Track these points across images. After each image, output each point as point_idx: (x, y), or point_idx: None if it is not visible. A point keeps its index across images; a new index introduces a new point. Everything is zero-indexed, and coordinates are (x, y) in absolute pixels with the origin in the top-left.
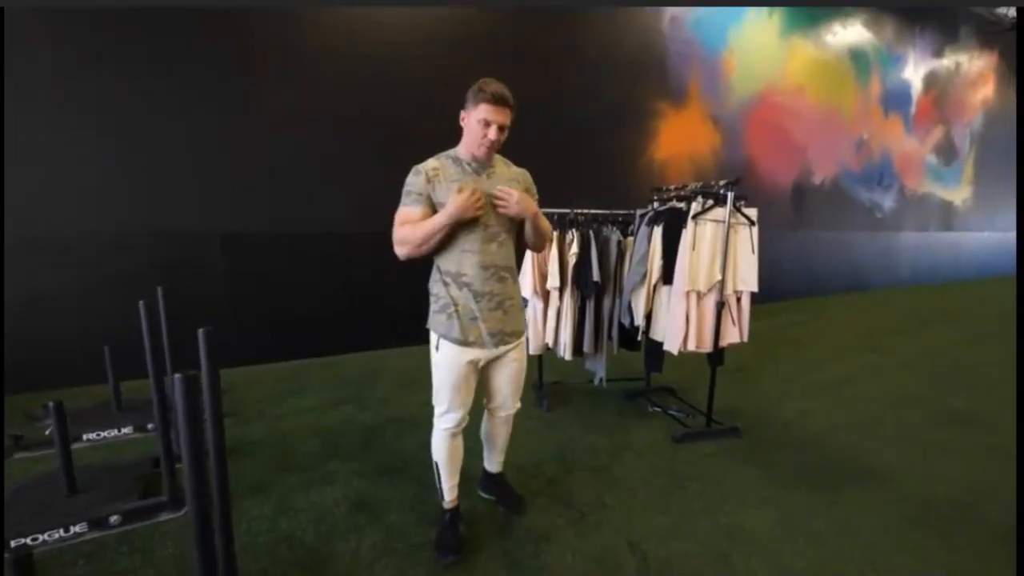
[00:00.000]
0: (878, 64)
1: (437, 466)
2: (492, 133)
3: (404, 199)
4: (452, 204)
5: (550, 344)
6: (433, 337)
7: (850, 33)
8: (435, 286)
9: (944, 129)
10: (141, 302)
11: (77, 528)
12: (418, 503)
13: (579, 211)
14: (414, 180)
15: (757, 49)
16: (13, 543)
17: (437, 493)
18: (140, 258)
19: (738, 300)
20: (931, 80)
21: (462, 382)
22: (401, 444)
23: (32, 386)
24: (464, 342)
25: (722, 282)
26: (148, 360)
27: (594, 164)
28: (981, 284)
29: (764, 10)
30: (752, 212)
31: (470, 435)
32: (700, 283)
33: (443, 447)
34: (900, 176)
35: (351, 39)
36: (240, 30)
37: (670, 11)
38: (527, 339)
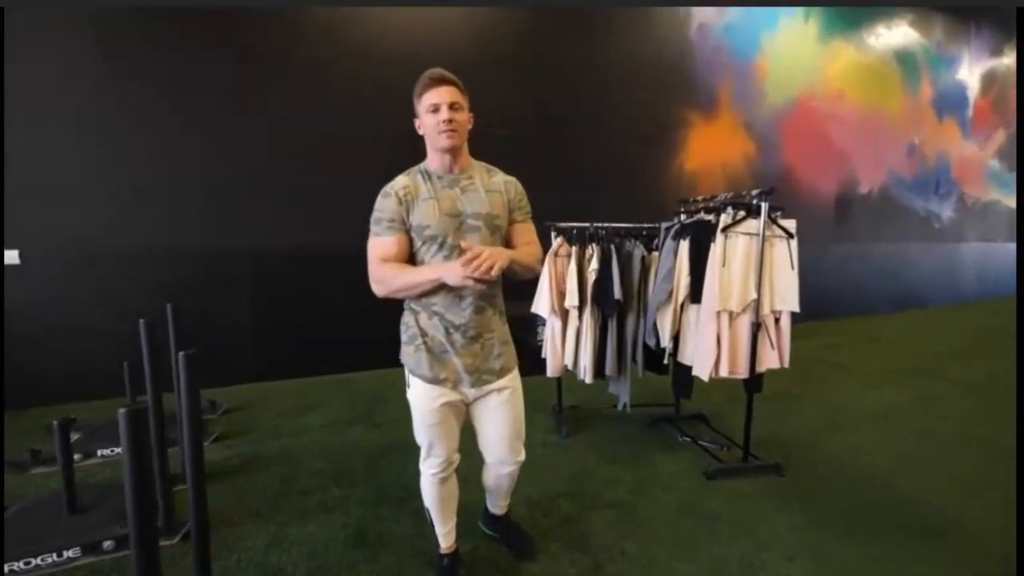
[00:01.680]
0: (928, 65)
1: (428, 512)
2: (444, 112)
3: (374, 227)
4: (450, 272)
5: (569, 366)
6: (404, 372)
7: (895, 34)
8: (405, 314)
9: (1007, 133)
10: (141, 321)
11: (70, 553)
12: (417, 539)
13: (599, 224)
14: (384, 204)
15: (793, 54)
16: (6, 567)
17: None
18: (166, 272)
19: (776, 321)
20: (989, 81)
21: (439, 424)
22: (406, 468)
23: (58, 398)
24: (435, 380)
25: (758, 301)
26: (147, 380)
27: (620, 176)
28: None
29: (800, 14)
30: (790, 224)
31: (470, 442)
32: (732, 302)
33: (432, 493)
34: (959, 183)
35: (373, 56)
36: (269, 51)
37: (697, 19)
38: (547, 359)
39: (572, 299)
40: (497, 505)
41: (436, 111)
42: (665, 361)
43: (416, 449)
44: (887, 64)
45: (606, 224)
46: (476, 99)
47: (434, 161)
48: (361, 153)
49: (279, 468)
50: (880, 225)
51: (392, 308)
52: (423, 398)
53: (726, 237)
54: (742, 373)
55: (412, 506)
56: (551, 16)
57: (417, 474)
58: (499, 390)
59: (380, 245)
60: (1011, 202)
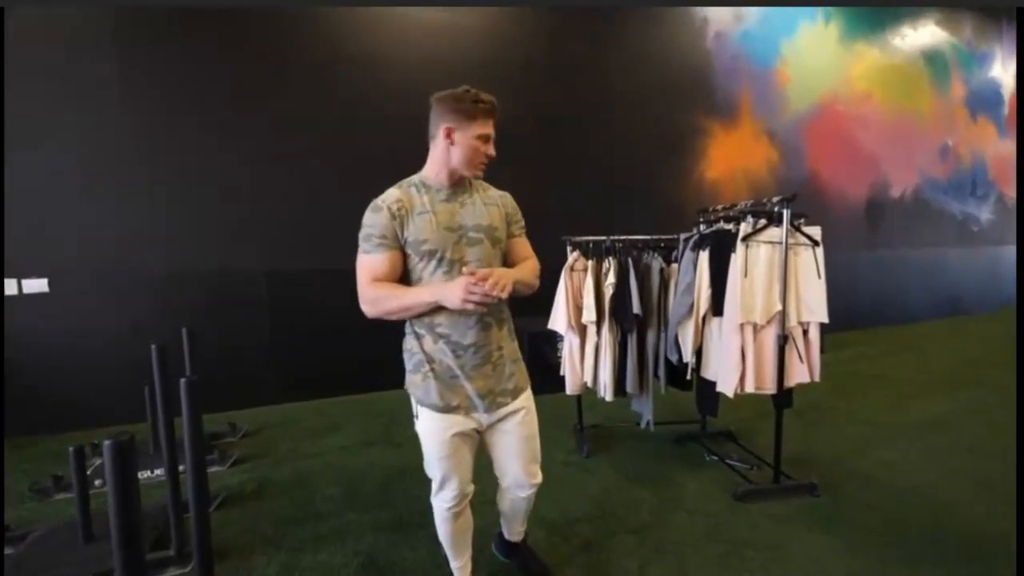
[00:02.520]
0: (958, 64)
1: (443, 547)
2: (491, 147)
3: (363, 244)
4: (448, 294)
5: (589, 383)
6: (412, 402)
7: (922, 34)
8: (408, 340)
9: None
10: (153, 346)
11: None
12: (433, 568)
13: (615, 237)
14: (375, 219)
15: (814, 58)
16: None
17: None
18: (188, 296)
19: (804, 333)
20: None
21: (452, 456)
22: (424, 491)
23: (85, 424)
24: (446, 408)
25: (783, 312)
26: (159, 406)
27: (639, 187)
28: None
29: (819, 18)
30: (815, 231)
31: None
32: (756, 314)
33: (445, 528)
34: (997, 183)
35: (381, 75)
36: (291, 74)
37: (714, 27)
38: (565, 376)
39: (590, 314)
40: (513, 531)
41: (486, 142)
42: (688, 377)
43: None
44: (914, 64)
45: (622, 236)
46: None
47: (438, 174)
48: (379, 172)
49: (295, 492)
50: (915, 229)
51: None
52: (434, 430)
53: (747, 246)
54: (769, 388)
55: (429, 532)
56: (564, 24)
57: None
58: (514, 412)
59: (370, 263)
60: None
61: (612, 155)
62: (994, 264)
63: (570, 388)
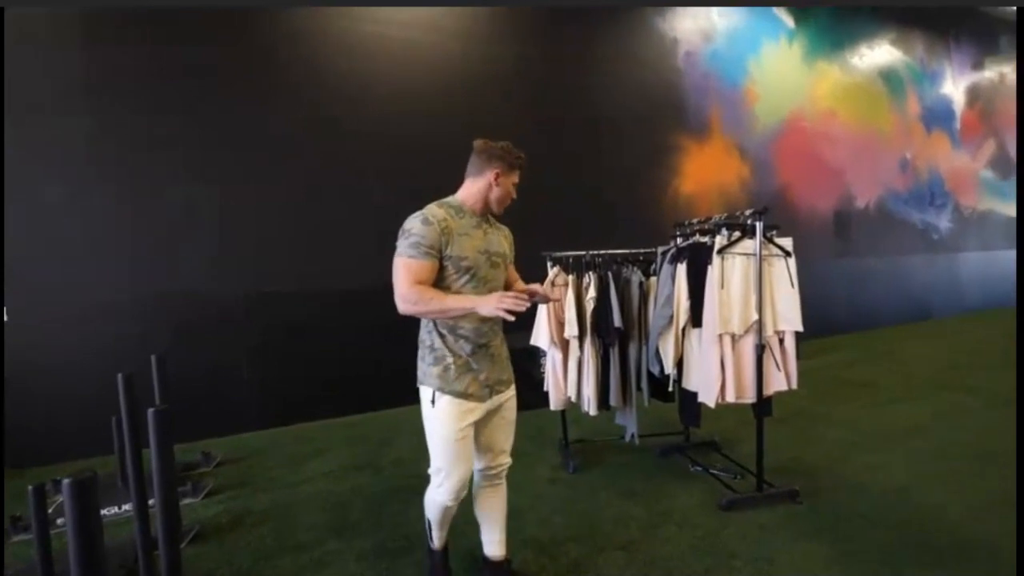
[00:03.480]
0: (912, 82)
1: (429, 523)
2: (515, 192)
3: (410, 250)
4: (485, 304)
5: (573, 398)
6: (427, 392)
7: (878, 53)
8: (429, 338)
9: (996, 142)
10: (119, 375)
11: None
12: None
13: (595, 252)
14: (425, 231)
15: (779, 77)
16: None
17: (426, 540)
18: (158, 320)
19: (781, 342)
20: (974, 93)
21: (463, 440)
22: (408, 517)
23: (53, 457)
24: (464, 394)
25: (760, 322)
26: (126, 437)
27: (616, 203)
28: None
29: (782, 37)
30: (786, 242)
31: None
32: (734, 324)
33: (439, 512)
34: (954, 194)
35: (361, 94)
36: (269, 88)
37: (684, 46)
38: (549, 392)
39: (572, 329)
40: (495, 541)
41: (515, 187)
42: (671, 388)
43: (421, 493)
44: (873, 83)
45: (602, 251)
46: (466, 124)
47: (475, 204)
48: (361, 197)
49: (274, 522)
50: (879, 239)
51: (397, 344)
52: (452, 414)
53: (723, 259)
54: (749, 397)
55: (414, 558)
56: (540, 41)
57: (419, 519)
58: (508, 398)
59: (416, 268)
60: (1007, 210)
61: (590, 171)
62: (954, 270)
63: (554, 403)
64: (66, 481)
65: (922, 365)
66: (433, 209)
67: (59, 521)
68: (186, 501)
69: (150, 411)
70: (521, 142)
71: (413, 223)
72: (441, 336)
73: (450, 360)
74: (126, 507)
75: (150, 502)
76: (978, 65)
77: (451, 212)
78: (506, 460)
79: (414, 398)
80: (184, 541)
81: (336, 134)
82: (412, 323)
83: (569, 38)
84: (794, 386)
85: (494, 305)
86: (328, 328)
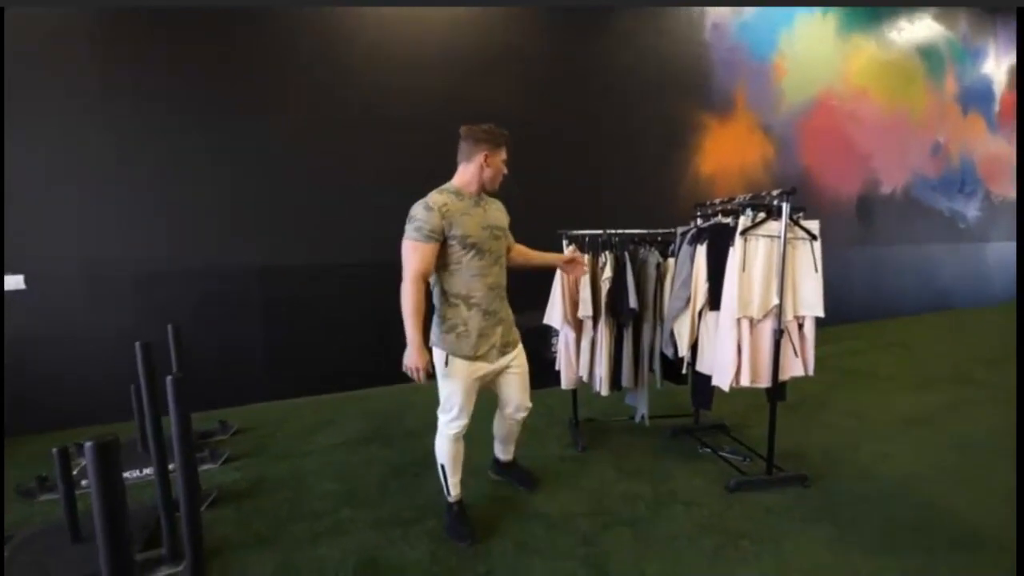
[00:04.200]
0: (953, 60)
1: (443, 467)
2: (506, 168)
3: (415, 234)
4: (411, 361)
5: (584, 378)
6: (440, 354)
7: (919, 28)
8: (443, 308)
9: None
10: (137, 344)
11: None
12: (432, 564)
13: (612, 231)
14: (428, 216)
15: (811, 52)
16: None
17: (444, 491)
18: (176, 293)
19: (800, 327)
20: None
21: (471, 392)
22: (420, 488)
23: (72, 422)
24: (474, 357)
25: (780, 307)
26: (145, 403)
27: (634, 181)
28: None
29: (817, 10)
30: (813, 225)
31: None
32: (753, 308)
33: (450, 449)
34: (985, 181)
35: (378, 72)
36: (271, 66)
37: (712, 19)
38: (560, 371)
39: (586, 309)
40: (507, 451)
41: (505, 164)
42: (684, 371)
43: (431, 465)
44: (910, 59)
45: (619, 231)
46: (480, 116)
47: (469, 185)
48: (371, 171)
49: (289, 490)
50: (903, 226)
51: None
52: (464, 373)
53: (745, 240)
54: (764, 382)
55: (427, 527)
56: (561, 17)
57: (433, 492)
58: (516, 356)
59: (424, 251)
60: None
61: (608, 149)
62: (980, 261)
63: (565, 383)
64: (88, 444)
65: (937, 356)
66: (434, 196)
67: (83, 483)
68: (205, 467)
69: (168, 378)
70: (539, 117)
71: (417, 210)
72: (454, 306)
73: (463, 328)
74: (147, 471)
75: (170, 467)
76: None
77: (451, 196)
78: (525, 411)
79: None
80: (203, 505)
81: (348, 110)
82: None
83: (592, 9)
84: (810, 372)
85: (411, 364)
86: (338, 302)
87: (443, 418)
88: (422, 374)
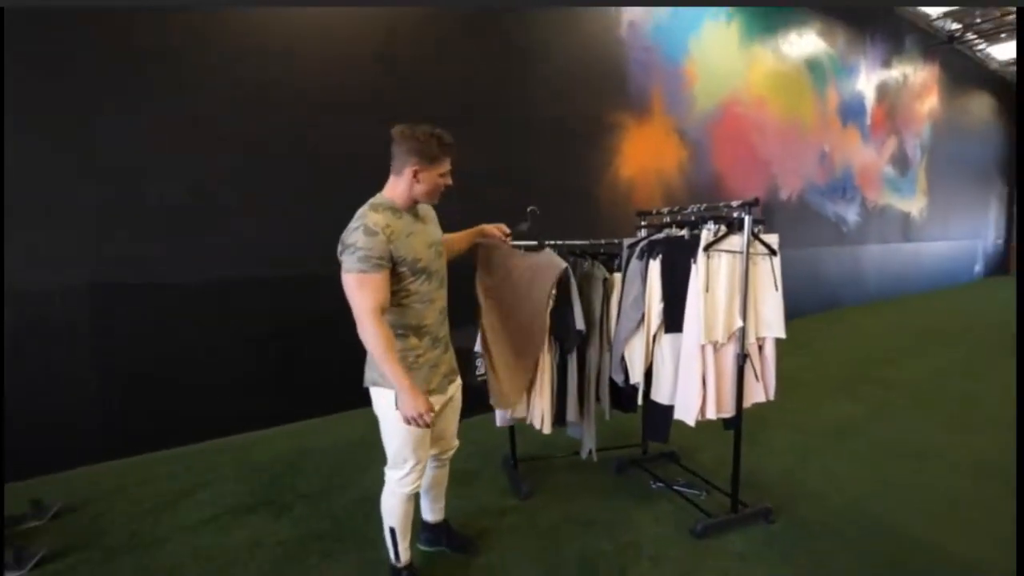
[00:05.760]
0: (833, 73)
1: (392, 531)
2: (449, 179)
3: (361, 264)
4: (406, 407)
5: (522, 413)
6: (387, 394)
7: (806, 42)
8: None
9: (897, 139)
10: None
11: None
12: None
13: (553, 242)
14: (372, 242)
15: (718, 58)
16: None
17: (391, 558)
18: None
19: (760, 349)
20: (882, 90)
21: (425, 437)
22: (334, 573)
23: None
24: (428, 391)
25: (743, 329)
26: None
27: (553, 183)
28: (943, 295)
29: (722, 16)
30: (772, 239)
31: None
32: (718, 332)
33: (402, 508)
34: (861, 188)
35: (284, 61)
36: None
37: (628, 16)
38: (497, 413)
39: None
40: (437, 508)
41: (444, 176)
42: (640, 401)
43: (346, 537)
44: (800, 72)
45: (561, 241)
46: (396, 117)
47: (404, 201)
48: (250, 171)
49: None
50: (800, 231)
51: (297, 343)
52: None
53: (708, 257)
54: (728, 412)
55: None
56: (474, 10)
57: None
58: (458, 386)
59: (373, 282)
60: (902, 205)
61: (529, 150)
62: (858, 262)
63: (500, 420)
64: None
65: (840, 360)
66: (372, 216)
67: None
68: None
69: None
70: (453, 118)
71: (356, 236)
72: (404, 336)
73: (412, 358)
74: None
75: None
76: (887, 63)
77: (389, 214)
78: (455, 443)
79: (323, 408)
80: None
81: (247, 100)
82: (317, 318)
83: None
84: (771, 397)
85: (411, 413)
86: (199, 324)
87: (394, 475)
88: (427, 418)
